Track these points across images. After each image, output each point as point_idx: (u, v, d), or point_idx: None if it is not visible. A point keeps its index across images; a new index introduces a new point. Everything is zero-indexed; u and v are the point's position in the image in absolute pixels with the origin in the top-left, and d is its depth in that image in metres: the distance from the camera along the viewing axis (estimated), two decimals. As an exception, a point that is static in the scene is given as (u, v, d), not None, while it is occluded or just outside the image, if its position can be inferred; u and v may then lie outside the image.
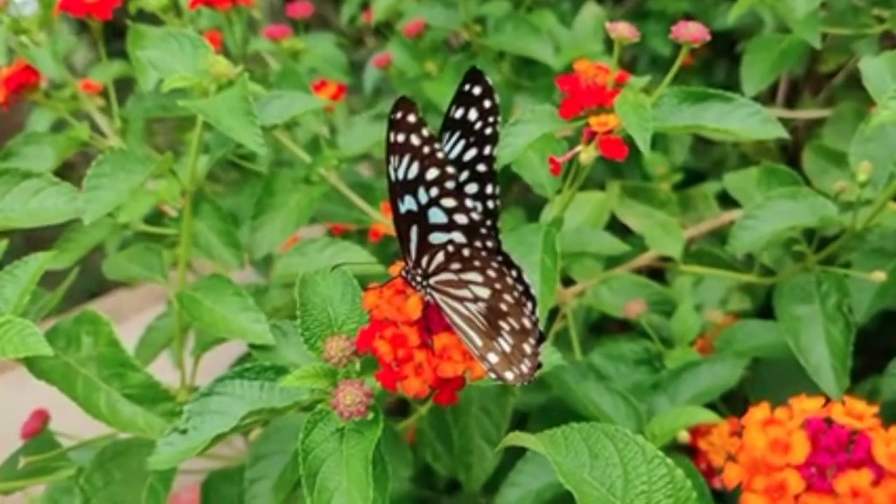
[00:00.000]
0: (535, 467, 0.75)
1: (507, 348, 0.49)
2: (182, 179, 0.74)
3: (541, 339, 0.51)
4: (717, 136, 0.65)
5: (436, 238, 0.49)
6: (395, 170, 0.48)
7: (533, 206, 1.14)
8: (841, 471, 0.39)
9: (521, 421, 0.98)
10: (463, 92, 0.51)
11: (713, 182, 1.12)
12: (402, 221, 0.49)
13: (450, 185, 0.47)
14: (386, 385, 0.50)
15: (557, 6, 1.23)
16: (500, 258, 0.50)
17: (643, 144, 0.60)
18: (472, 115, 0.51)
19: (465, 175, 0.52)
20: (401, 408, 1.09)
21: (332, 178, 0.92)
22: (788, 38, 0.95)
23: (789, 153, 1.16)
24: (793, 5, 0.83)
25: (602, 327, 1.12)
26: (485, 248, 0.49)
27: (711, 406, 0.77)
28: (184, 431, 0.56)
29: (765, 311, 0.86)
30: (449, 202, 0.47)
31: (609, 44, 0.64)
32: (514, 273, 0.50)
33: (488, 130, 0.51)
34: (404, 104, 0.46)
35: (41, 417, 0.79)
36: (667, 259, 0.91)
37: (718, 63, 1.38)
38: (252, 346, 0.67)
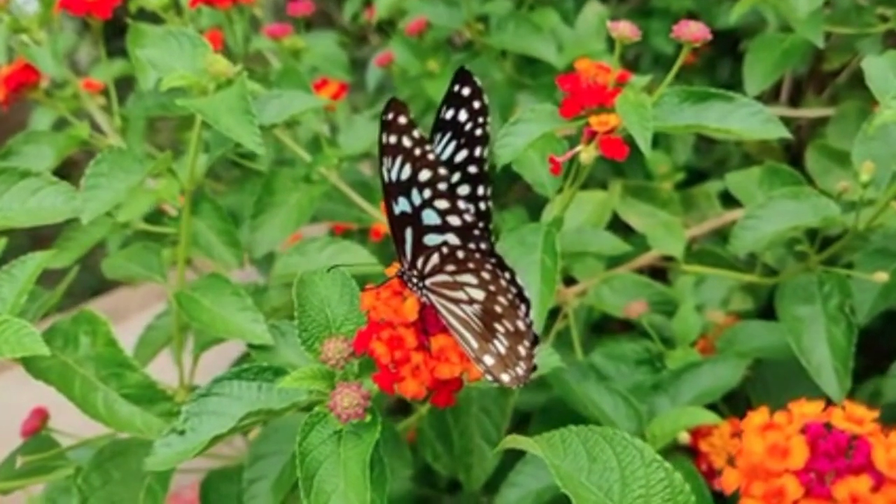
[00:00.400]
0: (534, 468, 0.74)
1: (503, 350, 0.49)
2: (181, 179, 0.74)
3: (535, 341, 0.51)
4: (718, 135, 0.65)
5: (430, 240, 0.49)
6: (389, 171, 0.48)
7: (534, 205, 1.13)
8: (840, 477, 0.39)
9: (522, 421, 0.97)
10: (452, 93, 0.50)
11: (716, 181, 1.12)
12: (397, 223, 0.49)
13: (442, 186, 0.47)
14: (383, 387, 0.50)
15: (560, 4, 1.23)
16: (493, 260, 0.50)
17: (644, 144, 0.60)
18: (463, 115, 0.50)
19: (457, 177, 0.51)
20: (402, 406, 1.08)
21: (332, 176, 0.92)
22: (791, 37, 0.95)
23: (793, 152, 1.16)
24: (795, 5, 0.83)
25: (604, 327, 1.12)
26: (478, 249, 0.49)
27: (713, 407, 0.77)
28: (181, 432, 0.56)
29: (767, 311, 0.85)
30: (442, 204, 0.47)
31: (612, 42, 0.63)
32: (507, 275, 0.50)
33: (478, 132, 0.51)
34: (395, 105, 0.46)
35: (41, 416, 0.79)
36: (669, 258, 0.91)
37: (722, 61, 1.37)
38: (250, 346, 0.67)
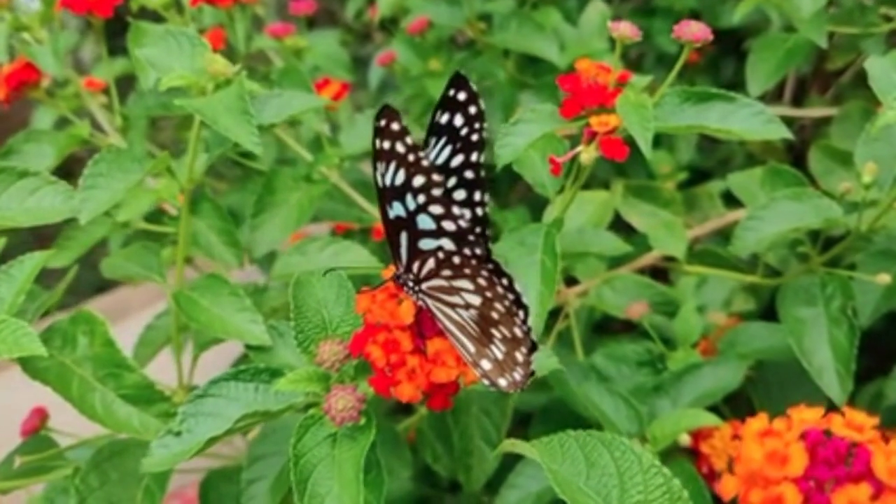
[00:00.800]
0: (534, 469, 0.74)
1: (500, 356, 0.49)
2: (179, 178, 0.74)
3: (533, 348, 0.50)
4: (720, 135, 0.65)
5: (425, 244, 0.49)
6: (383, 176, 0.48)
7: (537, 205, 1.13)
8: (839, 485, 0.38)
9: (523, 421, 0.97)
10: (448, 97, 0.50)
11: (718, 181, 1.11)
12: (392, 227, 0.49)
13: (436, 192, 0.46)
14: (379, 390, 0.49)
15: (563, 3, 1.22)
16: (490, 266, 0.49)
17: (644, 145, 0.60)
18: (458, 120, 0.50)
19: (452, 181, 0.51)
20: (403, 406, 1.08)
21: (333, 176, 0.92)
22: (794, 37, 0.94)
23: (796, 152, 1.15)
24: (798, 4, 0.82)
25: (605, 327, 1.12)
26: (474, 255, 0.49)
27: (714, 409, 0.76)
28: (178, 434, 0.56)
29: (769, 312, 0.85)
30: (436, 209, 0.47)
31: (614, 41, 0.63)
32: (504, 281, 0.50)
33: (475, 137, 0.50)
34: (388, 112, 0.46)
35: (40, 415, 0.79)
36: (671, 259, 0.90)
37: (725, 60, 1.36)
38: (248, 346, 0.67)
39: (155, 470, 0.55)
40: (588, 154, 0.64)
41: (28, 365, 0.64)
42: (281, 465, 0.67)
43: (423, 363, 0.49)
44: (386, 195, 0.48)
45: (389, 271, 0.52)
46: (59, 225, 0.73)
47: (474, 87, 0.50)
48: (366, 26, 1.76)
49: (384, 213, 0.49)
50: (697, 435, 0.78)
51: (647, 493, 0.43)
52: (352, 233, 1.12)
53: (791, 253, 0.92)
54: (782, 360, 0.81)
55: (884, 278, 0.72)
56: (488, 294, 0.49)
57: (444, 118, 0.50)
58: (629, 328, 1.04)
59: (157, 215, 0.94)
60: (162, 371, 0.83)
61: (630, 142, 0.62)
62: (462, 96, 0.50)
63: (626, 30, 0.62)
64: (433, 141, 0.51)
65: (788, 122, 0.64)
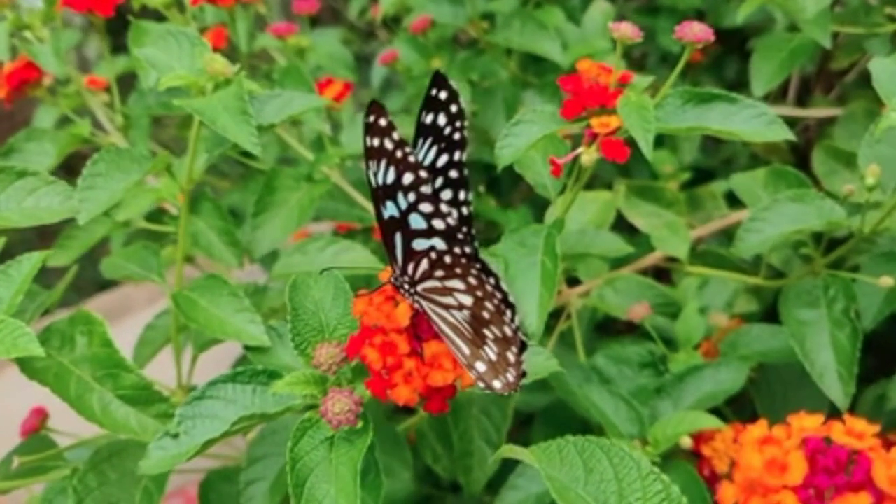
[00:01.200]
0: (535, 470, 0.72)
1: (493, 357, 0.49)
2: (179, 179, 0.74)
3: (523, 347, 0.50)
4: (722, 136, 0.64)
5: (419, 244, 0.49)
6: (375, 175, 0.48)
7: (540, 204, 1.13)
8: (839, 493, 0.38)
9: (525, 422, 0.97)
10: (430, 97, 0.50)
11: (722, 181, 1.11)
12: (387, 228, 0.49)
13: (425, 189, 0.46)
14: (375, 393, 0.49)
15: (566, 2, 1.21)
16: (478, 265, 0.49)
17: (645, 146, 0.59)
18: (442, 120, 0.50)
19: (439, 181, 0.51)
20: (404, 406, 1.08)
21: (334, 175, 0.92)
22: (798, 36, 0.93)
23: (800, 152, 1.15)
24: (803, 5, 0.82)
25: (608, 327, 1.11)
26: (464, 254, 0.49)
27: (716, 411, 0.76)
28: (175, 436, 0.56)
29: (772, 313, 0.84)
30: (426, 207, 0.47)
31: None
32: (491, 280, 0.50)
33: (457, 136, 0.51)
34: (375, 108, 0.46)
35: (40, 415, 0.79)
36: (673, 259, 0.90)
37: (729, 60, 1.36)
38: (247, 347, 0.67)
39: (152, 472, 0.55)
40: (589, 155, 0.64)
41: (26, 365, 0.64)
42: (280, 467, 0.67)
43: (419, 366, 0.49)
44: (379, 195, 0.48)
45: (386, 274, 0.51)
46: (62, 222, 0.73)
47: (454, 86, 0.50)
48: (370, 24, 1.76)
49: (378, 214, 0.49)
50: (699, 437, 0.77)
51: (645, 499, 0.43)
52: (354, 232, 1.12)
53: (794, 253, 0.92)
54: (785, 362, 0.81)
55: (887, 281, 0.72)
56: (479, 293, 0.49)
57: (429, 118, 0.51)
58: (631, 329, 1.04)
59: (158, 214, 0.94)
60: (163, 371, 0.83)
61: (631, 142, 0.62)
62: (444, 95, 0.50)
63: (627, 30, 0.62)
64: (420, 142, 0.51)
65: (792, 122, 0.63)
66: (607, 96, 0.63)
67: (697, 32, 0.60)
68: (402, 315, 0.49)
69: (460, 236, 0.49)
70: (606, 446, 0.45)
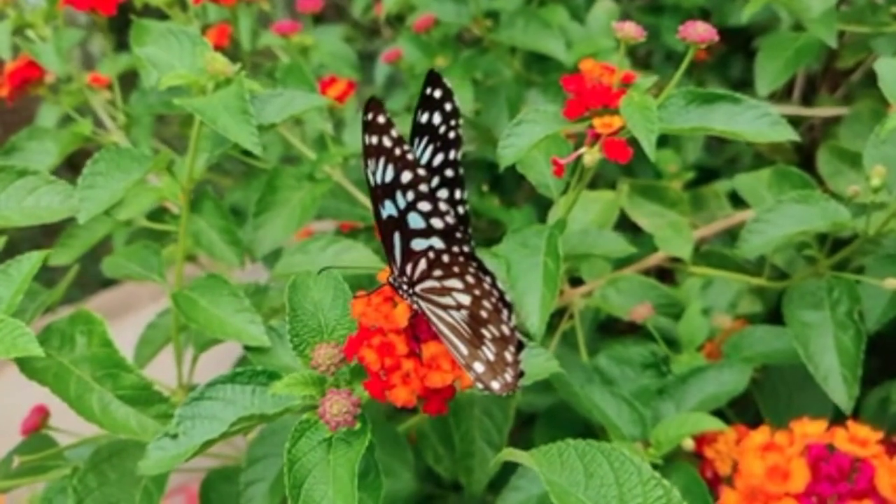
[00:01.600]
0: (537, 472, 0.73)
1: (491, 357, 0.49)
2: (180, 178, 0.73)
3: (520, 347, 0.50)
4: (726, 136, 0.64)
5: (417, 244, 0.49)
6: (374, 174, 0.48)
7: (543, 204, 1.12)
8: (842, 501, 0.37)
9: (527, 422, 0.96)
10: (425, 96, 0.50)
11: (726, 180, 1.10)
12: (386, 228, 0.49)
13: (423, 188, 0.46)
14: (373, 394, 0.49)
15: (570, 1, 1.21)
16: (475, 264, 0.49)
17: (648, 147, 0.59)
18: (437, 118, 0.50)
19: (436, 181, 0.51)
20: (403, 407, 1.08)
21: (336, 174, 0.91)
22: (804, 35, 0.93)
23: (805, 151, 1.14)
24: (808, 3, 0.81)
25: (610, 327, 1.11)
26: (462, 252, 0.49)
27: (719, 412, 0.76)
28: (174, 436, 0.56)
29: (776, 314, 0.84)
30: (425, 206, 0.47)
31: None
32: (488, 279, 0.49)
33: (451, 134, 0.51)
34: (373, 105, 0.46)
35: (41, 413, 0.79)
36: (677, 259, 0.89)
37: (734, 59, 1.35)
38: (247, 347, 0.67)
39: (151, 473, 0.55)
40: (591, 156, 0.64)
41: (26, 365, 0.63)
42: (280, 468, 0.67)
43: (418, 367, 0.48)
44: (377, 194, 0.48)
45: (384, 274, 0.51)
46: (66, 220, 0.73)
47: (448, 84, 0.50)
48: (374, 22, 1.76)
49: (377, 214, 0.49)
50: (702, 439, 0.77)
51: None
52: (356, 231, 1.11)
53: (798, 255, 0.91)
54: (788, 363, 0.80)
55: (891, 283, 0.71)
56: (476, 292, 0.48)
57: (424, 117, 0.51)
58: (634, 329, 1.03)
59: (160, 213, 0.94)
60: (163, 371, 0.83)
61: (634, 142, 0.61)
62: (438, 94, 0.50)
63: (631, 30, 0.61)
64: (416, 141, 0.51)
65: (797, 121, 0.63)
66: (610, 96, 0.63)
67: (701, 32, 0.60)
68: (401, 316, 0.49)
69: (458, 235, 0.49)
70: (607, 450, 0.45)
